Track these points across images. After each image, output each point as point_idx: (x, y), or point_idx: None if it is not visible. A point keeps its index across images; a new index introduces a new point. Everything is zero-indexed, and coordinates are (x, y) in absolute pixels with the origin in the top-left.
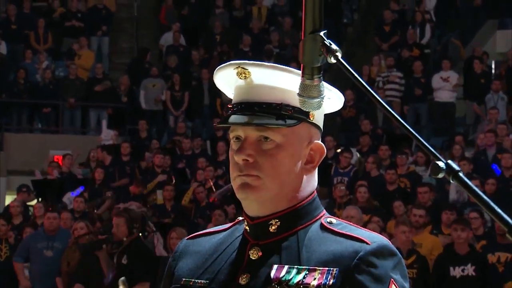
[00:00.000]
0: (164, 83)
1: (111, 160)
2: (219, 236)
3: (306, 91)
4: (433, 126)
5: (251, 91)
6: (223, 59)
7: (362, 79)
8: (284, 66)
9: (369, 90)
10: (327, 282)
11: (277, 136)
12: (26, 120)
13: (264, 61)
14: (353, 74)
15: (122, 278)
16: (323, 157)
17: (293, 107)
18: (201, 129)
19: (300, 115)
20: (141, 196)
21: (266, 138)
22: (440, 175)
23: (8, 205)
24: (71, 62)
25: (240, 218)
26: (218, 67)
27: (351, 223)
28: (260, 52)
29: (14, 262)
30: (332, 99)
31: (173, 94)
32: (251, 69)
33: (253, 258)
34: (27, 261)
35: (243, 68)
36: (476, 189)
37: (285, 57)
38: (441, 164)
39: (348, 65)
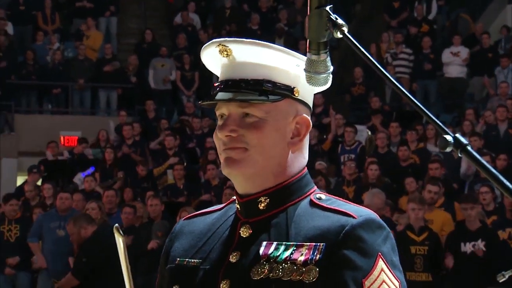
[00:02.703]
0: (173, 63)
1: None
2: (214, 216)
3: (313, 66)
4: (442, 102)
5: (234, 68)
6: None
7: (370, 55)
8: (264, 42)
9: (376, 65)
10: (314, 257)
11: (260, 112)
12: (36, 102)
13: (275, 41)
14: (360, 49)
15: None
16: (309, 130)
17: (275, 83)
18: (211, 109)
19: (284, 91)
20: (152, 177)
21: (247, 114)
22: (448, 149)
23: (21, 187)
24: (80, 43)
25: (234, 197)
26: (203, 46)
27: (341, 199)
28: (269, 31)
29: (29, 243)
30: None
31: (183, 74)
32: (231, 46)
33: (243, 236)
34: (40, 240)
35: (223, 45)
36: (485, 162)
37: (294, 35)
38: (449, 138)
39: (357, 42)
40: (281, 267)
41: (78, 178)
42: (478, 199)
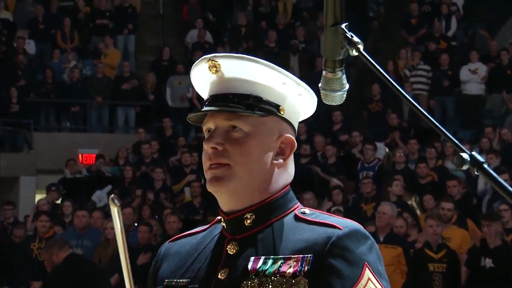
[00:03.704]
0: (190, 80)
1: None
2: (199, 236)
3: (328, 84)
4: (461, 119)
5: (222, 84)
6: (249, 55)
7: (388, 73)
8: (251, 57)
9: (391, 82)
10: (302, 269)
11: (246, 125)
12: (54, 119)
13: (289, 58)
14: (376, 67)
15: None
16: (294, 150)
17: (262, 99)
18: None
19: (270, 108)
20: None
21: (234, 127)
22: (465, 167)
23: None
24: (98, 61)
25: (218, 217)
26: (194, 64)
27: (325, 212)
28: (286, 48)
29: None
30: (303, 96)
31: None
32: (221, 61)
33: (230, 253)
34: None
35: (213, 60)
36: (501, 180)
37: (312, 52)
38: (465, 155)
39: (374, 59)
40: (270, 280)
41: (96, 196)
42: (499, 216)
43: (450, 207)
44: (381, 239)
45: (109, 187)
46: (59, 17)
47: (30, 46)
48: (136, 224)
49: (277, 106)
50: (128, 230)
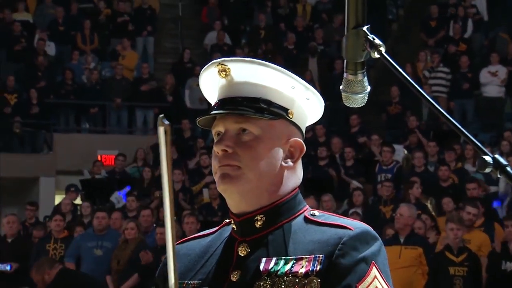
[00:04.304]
0: None
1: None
2: (208, 238)
3: (350, 86)
4: (481, 121)
5: (232, 88)
6: (267, 57)
7: (407, 75)
8: (261, 61)
9: (413, 85)
10: (315, 269)
11: (255, 128)
12: (74, 121)
13: (308, 60)
14: (397, 69)
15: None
16: (303, 154)
17: (272, 103)
18: None
19: (279, 111)
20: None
21: (244, 130)
22: (487, 170)
23: (59, 204)
24: (116, 63)
25: (227, 220)
26: (203, 69)
27: (334, 214)
28: (305, 50)
29: (65, 262)
30: (311, 100)
31: None
32: (230, 65)
33: (241, 255)
34: (78, 260)
35: (223, 65)
36: None
37: (330, 54)
38: (488, 158)
39: (393, 61)
40: (283, 280)
41: (115, 196)
42: None
43: (475, 212)
44: (402, 240)
45: (127, 188)
46: (79, 19)
47: (50, 48)
48: (154, 225)
49: (286, 110)
50: (147, 231)
